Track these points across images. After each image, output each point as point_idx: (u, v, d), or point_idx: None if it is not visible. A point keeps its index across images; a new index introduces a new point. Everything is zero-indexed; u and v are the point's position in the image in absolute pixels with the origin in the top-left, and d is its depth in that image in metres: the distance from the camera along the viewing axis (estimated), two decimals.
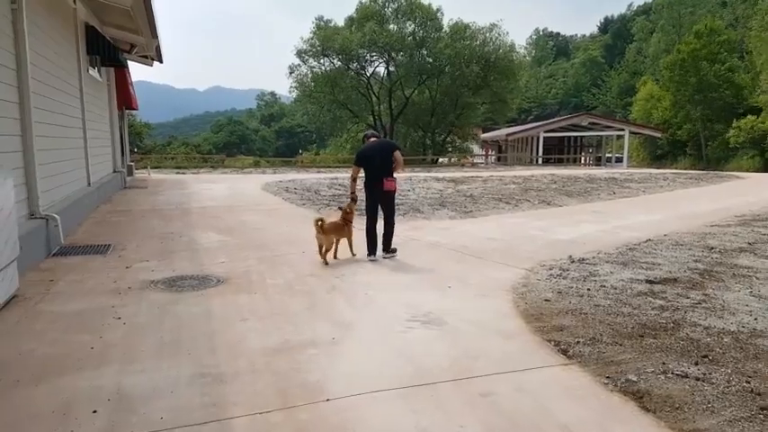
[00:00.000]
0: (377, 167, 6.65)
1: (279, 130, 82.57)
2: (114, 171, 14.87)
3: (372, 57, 40.40)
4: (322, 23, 40.06)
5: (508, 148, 47.34)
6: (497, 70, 38.25)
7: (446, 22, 40.20)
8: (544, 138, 39.63)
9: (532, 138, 41.17)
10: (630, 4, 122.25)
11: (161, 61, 17.59)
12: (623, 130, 40.81)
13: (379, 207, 6.86)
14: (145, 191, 14.34)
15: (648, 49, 76.04)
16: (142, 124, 39.18)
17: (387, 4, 40.06)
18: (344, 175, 19.52)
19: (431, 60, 39.17)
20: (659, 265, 5.97)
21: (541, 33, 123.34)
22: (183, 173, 22.50)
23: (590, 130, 41.76)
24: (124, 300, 4.80)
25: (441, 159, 40.01)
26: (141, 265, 6.15)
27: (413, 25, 39.65)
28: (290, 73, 41.06)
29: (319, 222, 6.32)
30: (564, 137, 43.68)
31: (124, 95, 16.90)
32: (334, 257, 6.54)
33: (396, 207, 10.39)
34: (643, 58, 79.19)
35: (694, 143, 48.64)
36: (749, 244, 7.10)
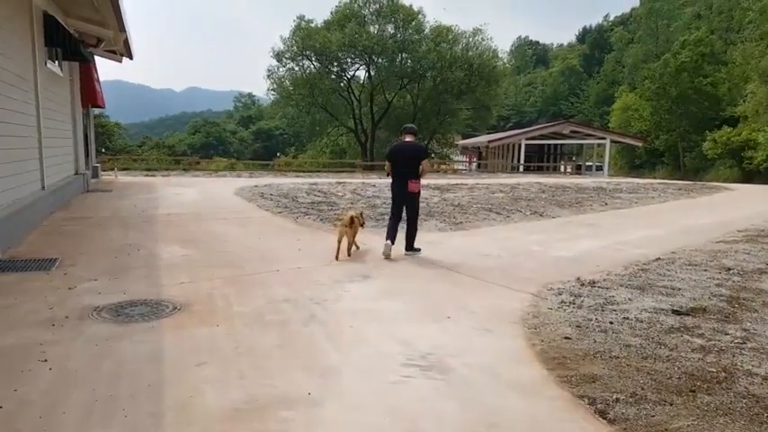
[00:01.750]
0: (404, 168, 6.87)
1: (257, 132, 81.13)
2: (76, 173, 13.80)
3: (353, 59, 39.58)
4: (303, 23, 39.04)
5: (489, 154, 47.05)
6: (481, 76, 37.79)
7: (428, 24, 39.66)
8: (525, 145, 39.36)
9: (514, 145, 40.87)
10: (607, 15, 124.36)
11: (131, 57, 16.59)
12: (604, 138, 40.69)
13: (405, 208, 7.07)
14: (108, 195, 13.31)
15: (627, 60, 77.08)
16: (113, 124, 37.70)
17: (367, 4, 39.29)
18: (324, 180, 18.69)
19: (411, 64, 38.51)
20: (680, 290, 5.32)
21: (523, 41, 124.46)
22: (154, 175, 21.38)
23: (570, 138, 41.62)
24: (57, 334, 3.94)
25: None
26: (88, 285, 5.27)
27: (393, 28, 38.94)
28: (268, 75, 39.99)
29: (352, 218, 6.70)
30: (544, 144, 43.49)
31: (90, 92, 15.78)
32: (348, 255, 6.77)
33: (381, 216, 9.63)
34: (621, 67, 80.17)
35: (672, 153, 49.03)
36: (767, 265, 6.51)
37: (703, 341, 3.86)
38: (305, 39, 37.28)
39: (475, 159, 48.57)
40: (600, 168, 42.96)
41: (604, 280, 5.78)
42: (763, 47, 28.33)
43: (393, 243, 6.82)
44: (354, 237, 6.89)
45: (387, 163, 7.14)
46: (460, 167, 44.74)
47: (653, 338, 3.92)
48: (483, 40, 38.63)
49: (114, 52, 15.68)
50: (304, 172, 27.80)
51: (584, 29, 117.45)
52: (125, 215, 9.98)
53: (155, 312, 4.58)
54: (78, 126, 14.51)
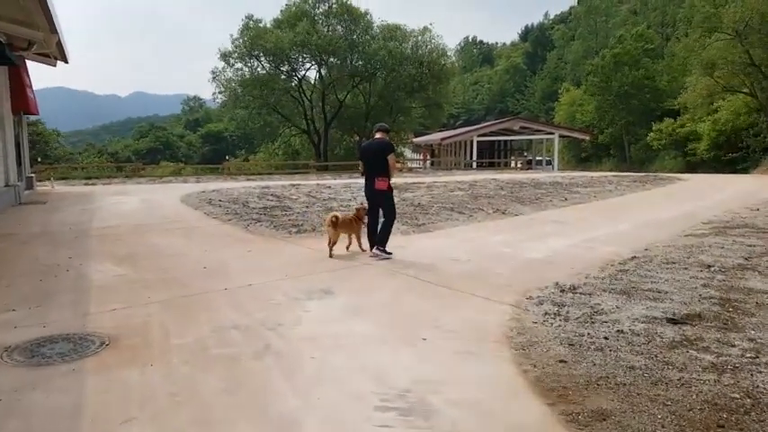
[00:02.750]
0: (371, 166, 6.83)
1: (205, 135, 78.60)
2: (6, 185, 12.57)
3: (304, 59, 38.58)
4: (252, 23, 37.70)
5: (441, 152, 47.03)
6: (432, 74, 37.59)
7: (376, 24, 39.14)
8: (477, 142, 39.49)
9: (466, 142, 40.95)
10: (546, 13, 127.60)
11: (66, 60, 15.46)
12: (553, 133, 41.33)
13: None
14: (42, 207, 12.13)
15: (568, 56, 79.09)
16: (50, 131, 35.38)
17: (317, 5, 38.41)
18: (277, 183, 17.87)
19: (363, 63, 37.89)
20: (667, 293, 4.95)
21: (469, 41, 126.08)
22: (94, 184, 19.99)
23: (520, 134, 42.05)
24: None
25: None
26: (2, 318, 4.46)
27: (343, 28, 38.22)
28: (213, 78, 38.35)
29: (334, 219, 6.68)
30: (494, 141, 43.81)
31: (21, 98, 14.46)
32: (347, 249, 7.06)
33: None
34: (564, 64, 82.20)
35: (617, 145, 50.40)
36: (745, 260, 6.29)
37: (712, 357, 3.44)
38: (255, 38, 35.99)
39: (428, 157, 48.48)
40: (549, 163, 43.65)
41: (585, 284, 5.37)
42: (703, 40, 29.22)
43: (373, 252, 6.79)
44: (354, 234, 7.04)
45: (360, 162, 7.13)
46: (415, 165, 44.53)
47: (657, 356, 3.47)
48: (431, 38, 38.47)
49: (48, 56, 14.53)
50: (255, 175, 26.78)
51: (527, 27, 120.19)
52: (56, 230, 8.98)
53: (78, 350, 3.84)
54: (8, 134, 13.25)
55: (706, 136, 34.22)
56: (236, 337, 4.01)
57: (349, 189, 14.78)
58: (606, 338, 3.80)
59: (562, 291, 5.17)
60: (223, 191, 14.22)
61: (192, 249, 7.34)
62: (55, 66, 15.81)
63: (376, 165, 6.75)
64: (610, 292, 5.09)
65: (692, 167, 36.32)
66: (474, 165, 38.74)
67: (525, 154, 49.17)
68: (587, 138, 45.06)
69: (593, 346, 3.66)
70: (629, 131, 46.86)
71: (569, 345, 3.70)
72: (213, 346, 3.83)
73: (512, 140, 45.55)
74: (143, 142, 71.19)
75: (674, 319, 4.17)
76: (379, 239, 6.79)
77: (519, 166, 43.39)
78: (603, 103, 47.59)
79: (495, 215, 10.43)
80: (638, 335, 3.86)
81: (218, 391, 3.14)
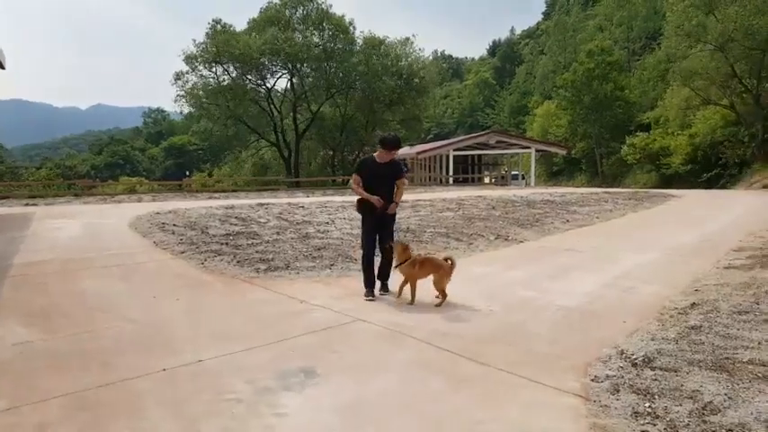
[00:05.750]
0: (380, 187, 5.74)
1: (168, 148, 75.86)
2: None
3: (275, 66, 36.80)
4: (219, 26, 35.73)
5: (416, 166, 45.86)
6: (411, 86, 36.37)
7: (358, 36, 37.72)
8: (453, 156, 38.46)
9: (442, 156, 39.89)
10: (512, 29, 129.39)
11: (2, 66, 13.69)
12: (529, 147, 40.63)
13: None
14: None
15: (537, 70, 79.59)
16: None
17: (294, 10, 36.76)
18: (243, 201, 16.16)
19: (341, 74, 36.36)
20: None
21: (438, 55, 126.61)
22: (36, 204, 17.91)
23: (495, 148, 41.22)
24: None
25: (351, 180, 37.34)
26: None
27: (321, 36, 36.63)
28: (176, 80, 35.93)
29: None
30: (468, 155, 42.89)
31: None
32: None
33: (318, 251, 7.58)
34: (533, 78, 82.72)
35: (589, 160, 50.18)
36: None
37: None
38: (222, 44, 34.03)
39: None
40: (523, 177, 42.91)
41: (657, 352, 3.98)
42: (686, 50, 28.85)
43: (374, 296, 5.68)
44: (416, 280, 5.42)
45: (355, 178, 5.90)
46: None
47: None
48: (412, 51, 37.38)
49: None
50: (220, 192, 24.91)
51: (494, 42, 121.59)
52: None
53: None
54: None
55: (681, 150, 33.91)
56: None
57: (325, 209, 13.23)
58: None
59: (634, 365, 3.77)
60: (180, 212, 12.48)
61: (130, 298, 5.70)
62: None
63: (386, 186, 5.63)
64: (699, 366, 3.71)
65: (667, 182, 35.96)
66: (451, 180, 37.67)
67: (505, 169, 48.32)
68: (564, 152, 44.65)
69: None
70: (602, 145, 46.64)
71: None
72: None
73: (485, 155, 44.72)
74: (101, 157, 68.27)
75: None
76: (386, 274, 5.78)
77: (493, 181, 42.51)
78: (576, 117, 47.35)
79: (498, 242, 9.06)
80: None
81: None
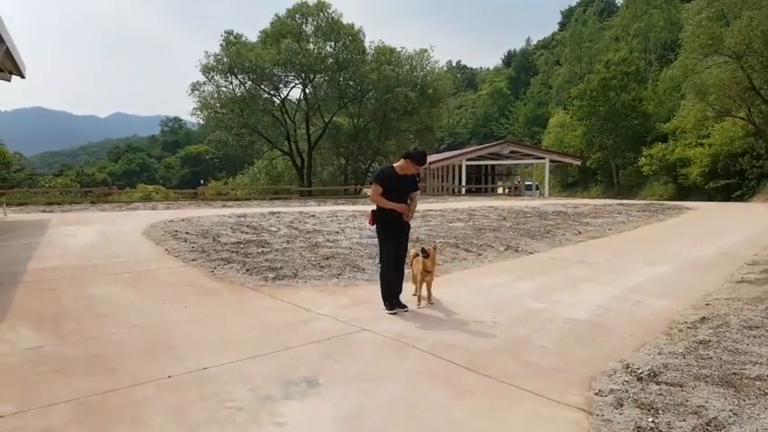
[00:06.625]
0: (401, 196, 5.66)
1: (184, 157, 76.80)
2: None
3: (288, 77, 37.19)
4: (232, 38, 36.30)
5: (428, 176, 45.80)
6: (425, 96, 36.47)
7: (368, 44, 38.01)
8: (466, 166, 38.34)
9: (455, 166, 39.79)
10: (528, 39, 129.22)
11: (22, 75, 13.92)
12: (543, 158, 40.35)
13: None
14: None
15: (555, 81, 79.25)
16: (11, 154, 33.32)
17: (305, 21, 37.19)
18: (255, 210, 16.30)
19: (353, 84, 36.62)
20: None
21: (453, 66, 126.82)
22: (52, 211, 18.23)
23: (509, 158, 41.01)
24: None
25: (364, 189, 37.39)
26: None
27: (333, 46, 36.95)
28: (193, 90, 36.47)
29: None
30: (482, 165, 42.71)
31: None
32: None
33: (327, 260, 7.60)
34: (548, 89, 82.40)
35: (605, 171, 49.67)
36: None
37: None
38: (235, 55, 34.58)
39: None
40: (537, 188, 42.57)
41: (664, 366, 3.93)
42: (702, 63, 28.54)
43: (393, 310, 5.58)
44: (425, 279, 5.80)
45: (376, 187, 5.68)
46: None
47: None
48: (428, 61, 37.57)
49: (1, 70, 13.02)
50: (233, 201, 25.12)
51: (509, 53, 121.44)
52: None
53: None
54: None
55: (699, 161, 33.48)
56: None
57: (336, 218, 13.28)
58: None
59: (639, 379, 3.73)
60: (193, 220, 12.61)
61: (138, 305, 5.77)
62: (9, 80, 14.29)
63: (402, 198, 5.50)
64: (705, 381, 3.66)
65: (684, 194, 35.49)
66: (463, 190, 37.53)
67: (519, 180, 48.01)
68: (579, 163, 44.20)
69: None
70: (617, 156, 46.18)
71: None
72: None
73: (497, 165, 44.51)
74: (119, 164, 69.26)
75: None
76: (400, 289, 5.69)
77: (506, 191, 42.26)
78: (591, 127, 46.95)
79: (508, 253, 9.01)
80: None
81: None
